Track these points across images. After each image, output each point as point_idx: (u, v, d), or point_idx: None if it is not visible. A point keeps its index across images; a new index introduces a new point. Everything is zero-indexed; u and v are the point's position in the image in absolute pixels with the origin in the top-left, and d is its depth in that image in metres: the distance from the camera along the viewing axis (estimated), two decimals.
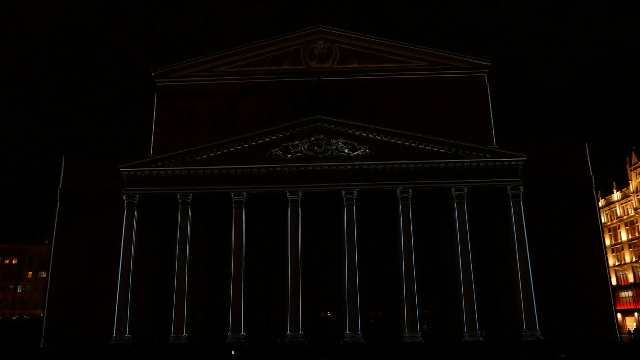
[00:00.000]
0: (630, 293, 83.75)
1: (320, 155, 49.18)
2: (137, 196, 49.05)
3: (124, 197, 49.10)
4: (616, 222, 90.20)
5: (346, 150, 49.21)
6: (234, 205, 48.80)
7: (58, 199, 53.56)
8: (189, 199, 48.83)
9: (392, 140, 49.32)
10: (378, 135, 49.50)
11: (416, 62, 57.43)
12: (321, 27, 58.32)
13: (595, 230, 52.05)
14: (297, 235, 48.05)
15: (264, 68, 57.95)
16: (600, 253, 51.24)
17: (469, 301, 46.07)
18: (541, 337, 44.45)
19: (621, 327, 70.94)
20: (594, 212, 52.46)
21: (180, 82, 57.86)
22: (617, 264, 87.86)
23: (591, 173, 52.54)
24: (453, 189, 47.93)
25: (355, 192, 48.28)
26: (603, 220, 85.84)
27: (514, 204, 47.81)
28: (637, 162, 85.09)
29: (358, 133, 49.52)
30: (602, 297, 49.76)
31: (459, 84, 56.40)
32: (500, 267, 49.63)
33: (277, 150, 49.63)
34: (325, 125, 49.72)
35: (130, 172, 49.33)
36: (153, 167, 49.51)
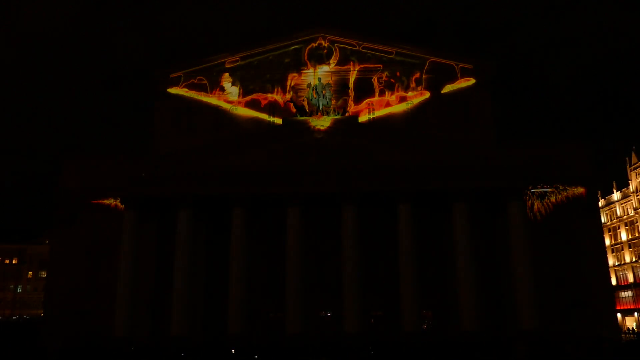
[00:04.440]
0: (630, 293, 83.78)
1: (320, 156, 49.14)
2: (137, 196, 49.02)
3: (124, 197, 49.11)
4: (616, 222, 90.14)
5: (346, 152, 49.17)
6: (234, 205, 48.80)
7: (58, 199, 53.59)
8: (188, 198, 48.83)
9: (392, 141, 49.30)
10: (378, 137, 49.50)
11: (417, 62, 57.46)
12: (321, 27, 58.36)
13: (596, 231, 52.04)
14: (296, 234, 48.06)
15: (264, 68, 57.96)
16: (600, 253, 51.18)
17: (468, 301, 46.04)
18: (541, 337, 44.41)
19: (621, 327, 70.99)
20: (595, 212, 52.42)
21: (180, 81, 57.84)
22: (616, 263, 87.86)
23: (592, 174, 52.37)
24: (454, 190, 47.86)
25: (355, 193, 48.25)
26: (603, 220, 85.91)
27: (515, 204, 47.69)
28: (637, 162, 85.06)
29: (357, 135, 49.52)
30: (602, 297, 49.69)
31: (460, 84, 56.41)
32: (501, 267, 49.57)
33: (276, 151, 49.63)
34: (326, 126, 49.81)
35: (130, 172, 49.31)
36: (153, 166, 49.52)
